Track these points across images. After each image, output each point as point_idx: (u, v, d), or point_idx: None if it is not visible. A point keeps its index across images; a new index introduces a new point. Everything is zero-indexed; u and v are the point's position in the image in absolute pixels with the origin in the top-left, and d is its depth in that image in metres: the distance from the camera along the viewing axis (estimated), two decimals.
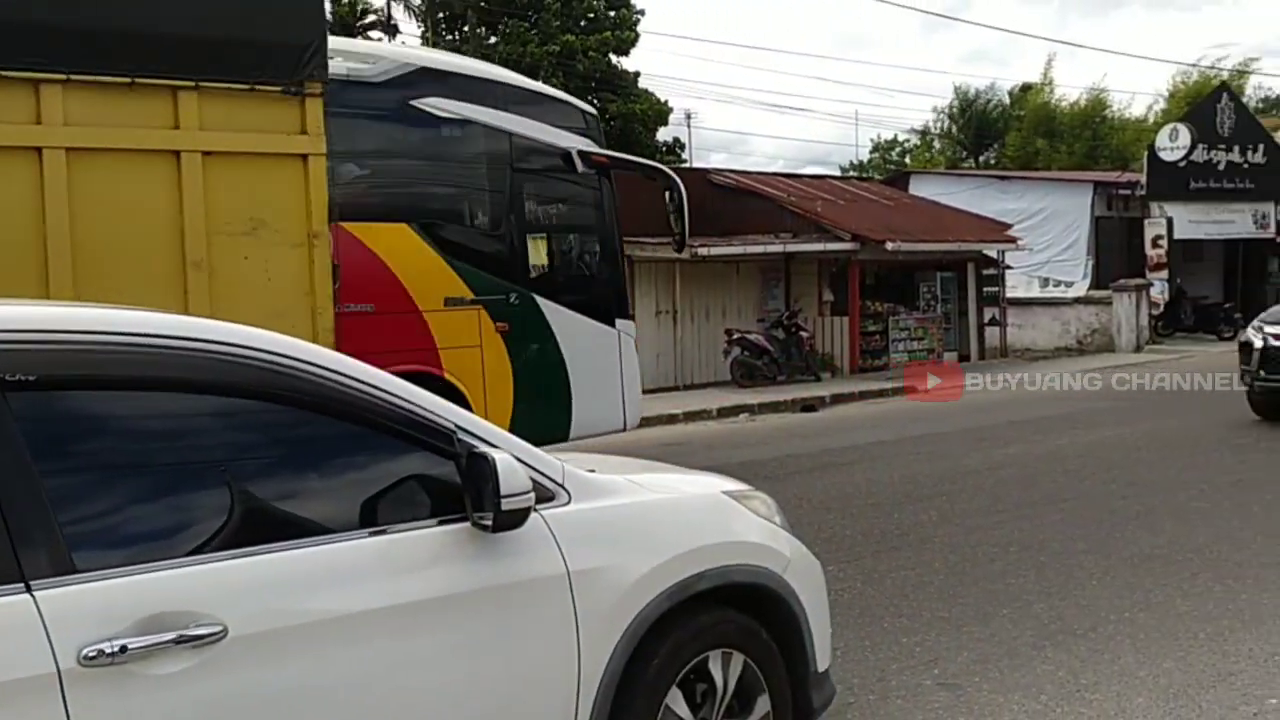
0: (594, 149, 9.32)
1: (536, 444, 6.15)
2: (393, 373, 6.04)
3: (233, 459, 2.45)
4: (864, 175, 39.10)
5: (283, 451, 2.57)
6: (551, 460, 2.90)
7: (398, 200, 8.44)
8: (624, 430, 9.66)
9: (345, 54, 8.18)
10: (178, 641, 2.07)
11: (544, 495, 2.75)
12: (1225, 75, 38.51)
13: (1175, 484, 8.48)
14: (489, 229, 8.84)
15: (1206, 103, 26.37)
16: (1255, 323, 12.13)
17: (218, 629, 2.11)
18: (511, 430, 6.57)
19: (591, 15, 30.50)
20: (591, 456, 3.58)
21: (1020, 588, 5.79)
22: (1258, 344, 11.45)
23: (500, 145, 8.75)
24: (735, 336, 16.99)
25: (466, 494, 2.57)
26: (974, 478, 9.24)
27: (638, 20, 30.92)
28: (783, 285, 19.40)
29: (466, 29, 30.13)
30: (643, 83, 32.33)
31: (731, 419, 14.21)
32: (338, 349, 7.85)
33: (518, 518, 2.54)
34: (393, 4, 30.39)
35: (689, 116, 41.57)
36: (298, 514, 2.49)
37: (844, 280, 19.19)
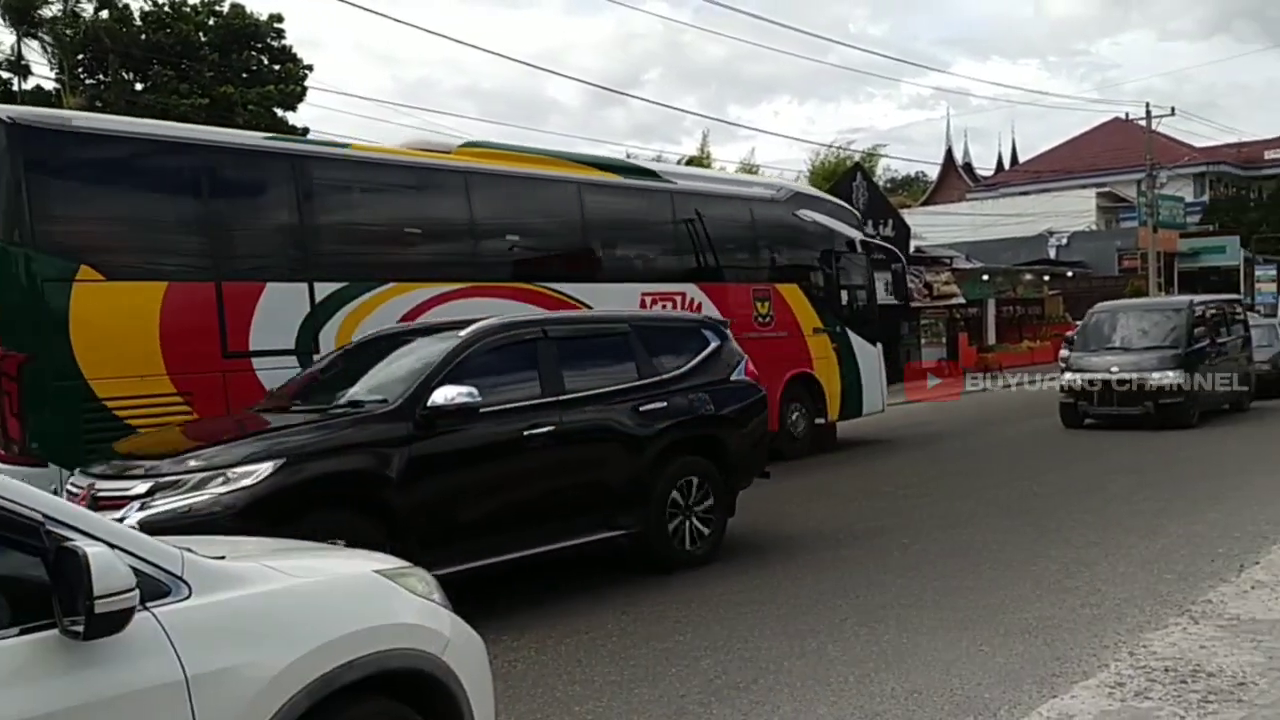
0: (864, 238, 15.91)
1: (846, 418, 15.04)
2: (791, 375, 13.85)
3: None
4: None
5: None
6: (168, 549, 2.55)
7: (792, 269, 14.38)
8: (882, 412, 15.74)
9: (766, 185, 15.79)
10: None
11: (157, 590, 2.42)
12: (857, 156, 43.00)
13: (822, 532, 9.04)
14: (825, 286, 14.79)
15: (844, 181, 29.08)
16: None
17: None
18: (839, 408, 14.70)
19: (254, 68, 29.20)
20: (223, 541, 3.22)
21: (689, 644, 5.88)
22: None
23: (830, 237, 14.90)
24: None
25: (55, 596, 2.20)
26: None
27: (304, 75, 29.92)
28: None
29: (109, 75, 27.88)
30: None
31: None
32: (761, 363, 10.28)
33: (116, 620, 2.19)
34: (24, 44, 27.57)
35: None
36: None
37: None
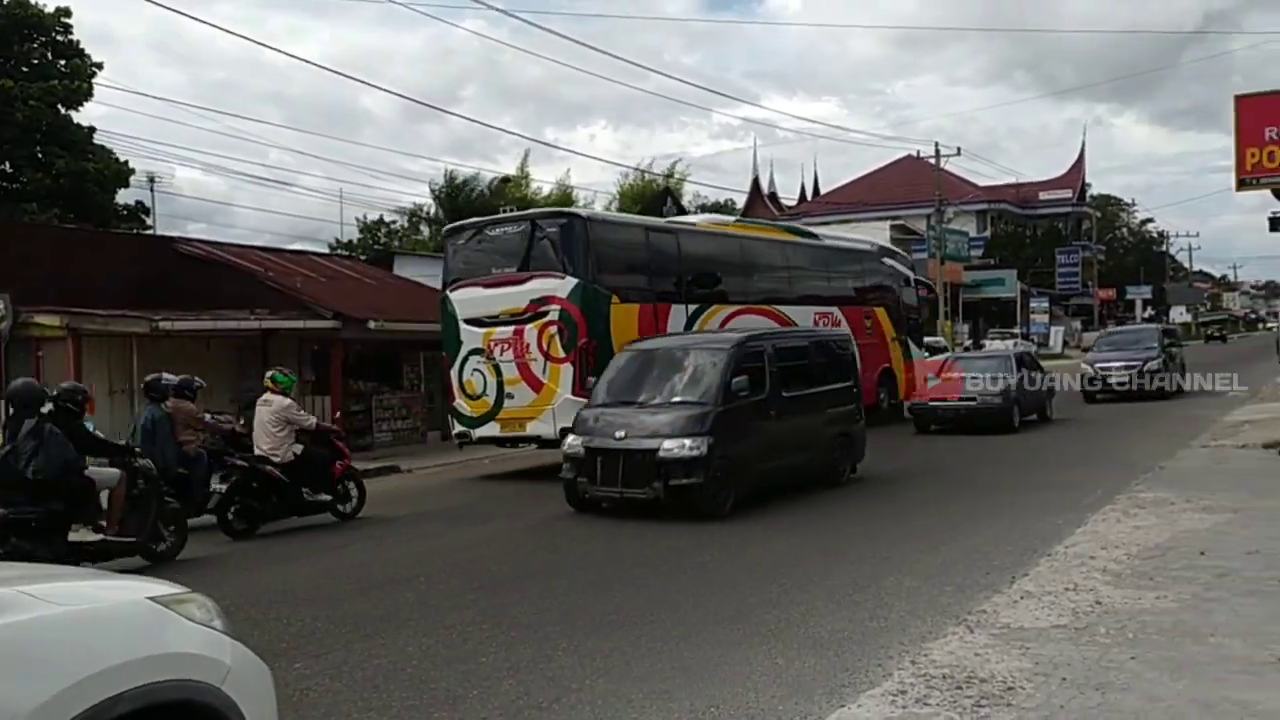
0: (915, 276, 24.28)
1: (906, 399, 21.99)
2: (880, 370, 21.50)
3: None
4: (351, 254, 38.56)
5: None
6: None
7: (879, 297, 21.92)
8: None
9: (866, 241, 24.21)
10: None
11: None
12: (661, 181, 44.16)
13: (626, 552, 9.14)
14: (896, 309, 22.18)
15: (655, 201, 29.76)
16: None
17: None
18: (904, 393, 22.24)
19: (36, 62, 27.25)
20: None
21: (491, 666, 5.81)
22: None
23: (898, 275, 22.91)
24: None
25: None
26: (454, 555, 9.28)
27: (93, 73, 28.14)
28: (260, 364, 18.36)
29: None
30: (108, 142, 29.47)
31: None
32: (867, 359, 19.05)
33: None
34: None
35: (152, 180, 38.64)
36: None
37: (326, 359, 18.74)
